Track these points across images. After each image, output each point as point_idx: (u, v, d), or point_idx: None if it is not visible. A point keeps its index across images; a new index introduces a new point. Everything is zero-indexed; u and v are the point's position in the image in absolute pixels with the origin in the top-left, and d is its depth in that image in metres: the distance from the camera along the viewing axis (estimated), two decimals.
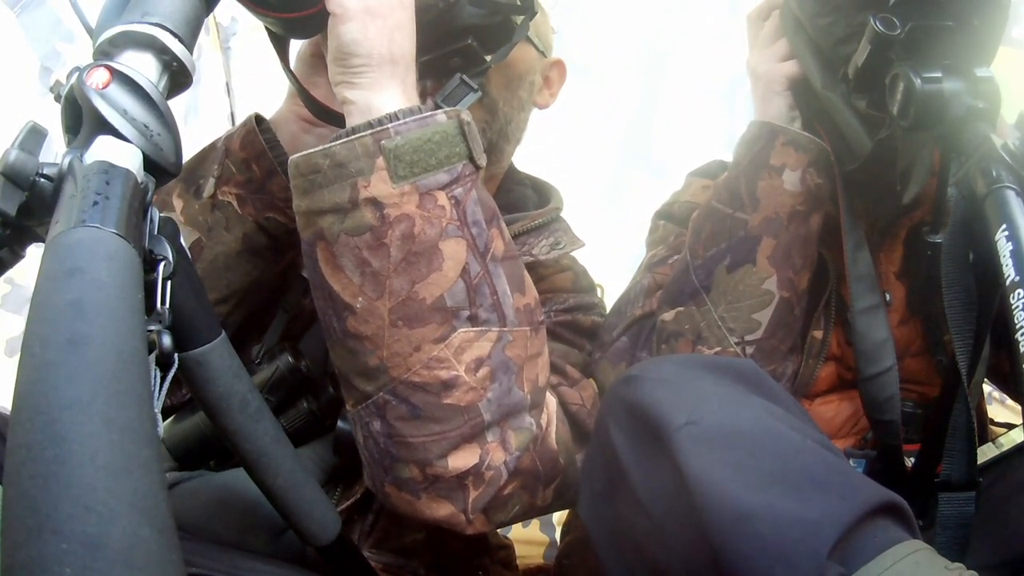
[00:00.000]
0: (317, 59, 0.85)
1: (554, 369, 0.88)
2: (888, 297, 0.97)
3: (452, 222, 0.69)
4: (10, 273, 0.55)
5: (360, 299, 0.69)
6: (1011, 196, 0.65)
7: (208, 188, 0.88)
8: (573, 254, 1.06)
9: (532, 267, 0.87)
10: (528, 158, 1.16)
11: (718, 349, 0.90)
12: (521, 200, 1.06)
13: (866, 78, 0.80)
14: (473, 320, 0.71)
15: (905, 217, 0.98)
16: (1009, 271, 0.62)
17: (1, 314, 1.43)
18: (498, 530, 1.21)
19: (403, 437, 0.71)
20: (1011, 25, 1.68)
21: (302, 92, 0.81)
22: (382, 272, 0.68)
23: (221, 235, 0.87)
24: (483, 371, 0.71)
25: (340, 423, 0.87)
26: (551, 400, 0.82)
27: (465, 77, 0.76)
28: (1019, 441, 0.95)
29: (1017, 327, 0.60)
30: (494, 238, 0.73)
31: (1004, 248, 0.63)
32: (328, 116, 0.81)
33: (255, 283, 0.91)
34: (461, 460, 0.72)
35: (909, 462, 0.93)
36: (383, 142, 0.66)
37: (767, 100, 0.95)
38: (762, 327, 0.90)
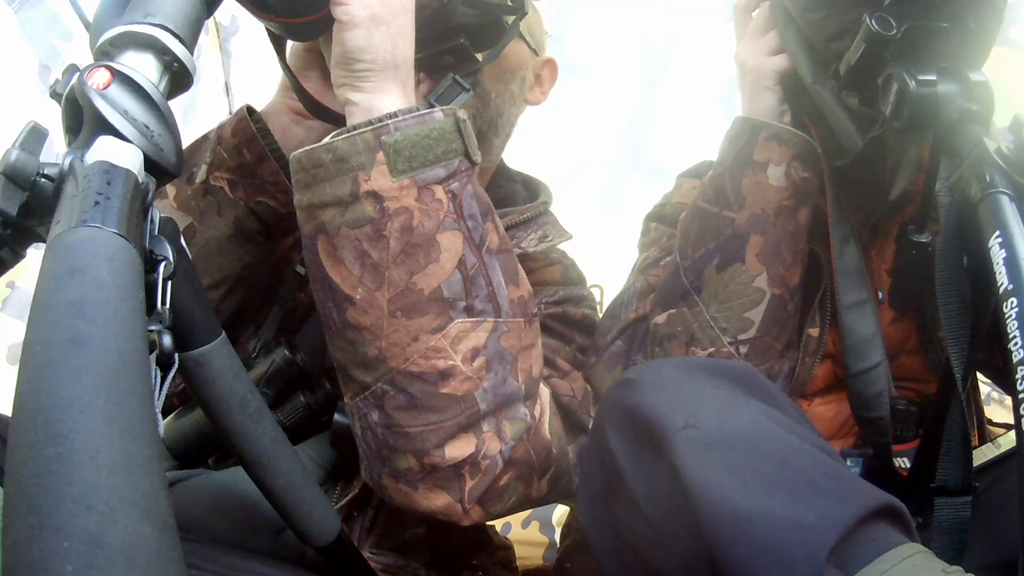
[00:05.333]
0: (310, 53, 0.87)
1: (544, 361, 0.89)
2: (880, 294, 0.97)
3: (449, 215, 0.71)
4: (13, 278, 0.54)
5: (360, 290, 0.71)
6: (1005, 201, 0.65)
7: (200, 174, 0.89)
8: (563, 248, 1.07)
9: (522, 260, 0.89)
10: (527, 161, 1.17)
11: (711, 350, 0.90)
12: (511, 195, 1.08)
13: (858, 76, 0.80)
14: (469, 311, 0.73)
15: (897, 214, 0.98)
16: (1003, 279, 0.62)
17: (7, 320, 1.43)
18: (498, 531, 1.21)
19: (401, 427, 0.73)
20: (1008, 26, 1.68)
21: (298, 89, 0.83)
22: (381, 263, 0.70)
23: (213, 219, 0.89)
24: (479, 361, 0.73)
25: (337, 416, 0.88)
26: (544, 391, 0.84)
27: (458, 77, 0.78)
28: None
29: (1010, 336, 0.60)
30: (489, 231, 0.75)
31: (998, 255, 0.63)
32: (322, 113, 0.83)
33: (247, 268, 0.92)
34: (457, 449, 0.73)
35: (903, 461, 0.93)
36: (383, 137, 0.68)
37: (756, 94, 0.95)
38: (755, 325, 0.90)
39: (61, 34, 1.56)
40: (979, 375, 1.04)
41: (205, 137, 0.94)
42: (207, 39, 1.92)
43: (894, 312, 0.98)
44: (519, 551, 1.24)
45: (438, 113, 0.71)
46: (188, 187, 0.90)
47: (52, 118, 0.56)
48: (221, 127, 0.91)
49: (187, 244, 0.61)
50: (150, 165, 0.53)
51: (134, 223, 0.47)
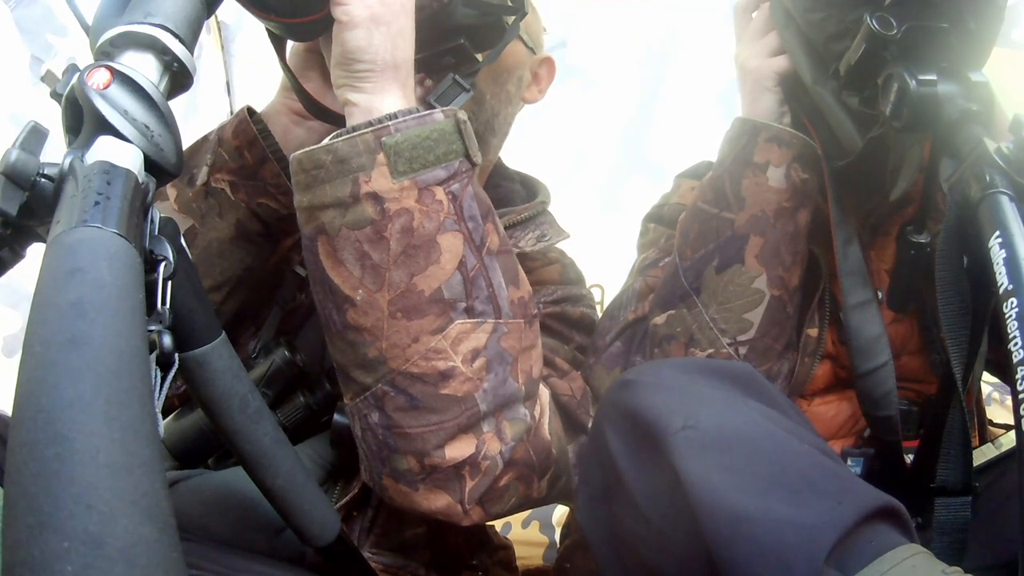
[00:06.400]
0: (310, 53, 0.87)
1: (543, 361, 0.89)
2: (880, 294, 0.97)
3: (449, 216, 0.71)
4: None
5: (360, 291, 0.71)
6: (1005, 202, 0.65)
7: (201, 176, 0.89)
8: (563, 247, 1.07)
9: (520, 260, 0.89)
10: (527, 160, 1.17)
11: (711, 351, 0.90)
12: (509, 195, 1.08)
13: (859, 76, 0.80)
14: (469, 312, 0.73)
15: (897, 214, 0.98)
16: (1003, 279, 0.62)
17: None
18: (498, 531, 1.21)
19: (401, 428, 0.73)
20: (1010, 28, 1.68)
21: (299, 90, 0.83)
22: (382, 265, 0.70)
23: (214, 221, 0.89)
24: (479, 362, 0.73)
25: (337, 416, 0.88)
26: (544, 392, 0.84)
27: (458, 77, 0.78)
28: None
29: (1011, 336, 0.60)
30: (489, 232, 0.75)
31: (998, 256, 0.63)
32: (322, 113, 0.83)
33: (248, 270, 0.92)
34: (458, 450, 0.73)
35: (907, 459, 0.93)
36: (384, 139, 0.68)
37: (756, 95, 0.95)
38: (754, 327, 0.90)
39: (55, 29, 1.56)
40: (982, 374, 1.04)
41: (205, 138, 0.94)
42: (209, 39, 1.92)
43: (894, 312, 0.98)
44: (519, 551, 1.24)
45: (438, 114, 0.71)
46: (189, 189, 0.90)
47: (43, 111, 0.56)
48: (221, 128, 0.91)
49: (188, 246, 0.62)
50: (150, 165, 0.53)
51: (134, 223, 0.47)
